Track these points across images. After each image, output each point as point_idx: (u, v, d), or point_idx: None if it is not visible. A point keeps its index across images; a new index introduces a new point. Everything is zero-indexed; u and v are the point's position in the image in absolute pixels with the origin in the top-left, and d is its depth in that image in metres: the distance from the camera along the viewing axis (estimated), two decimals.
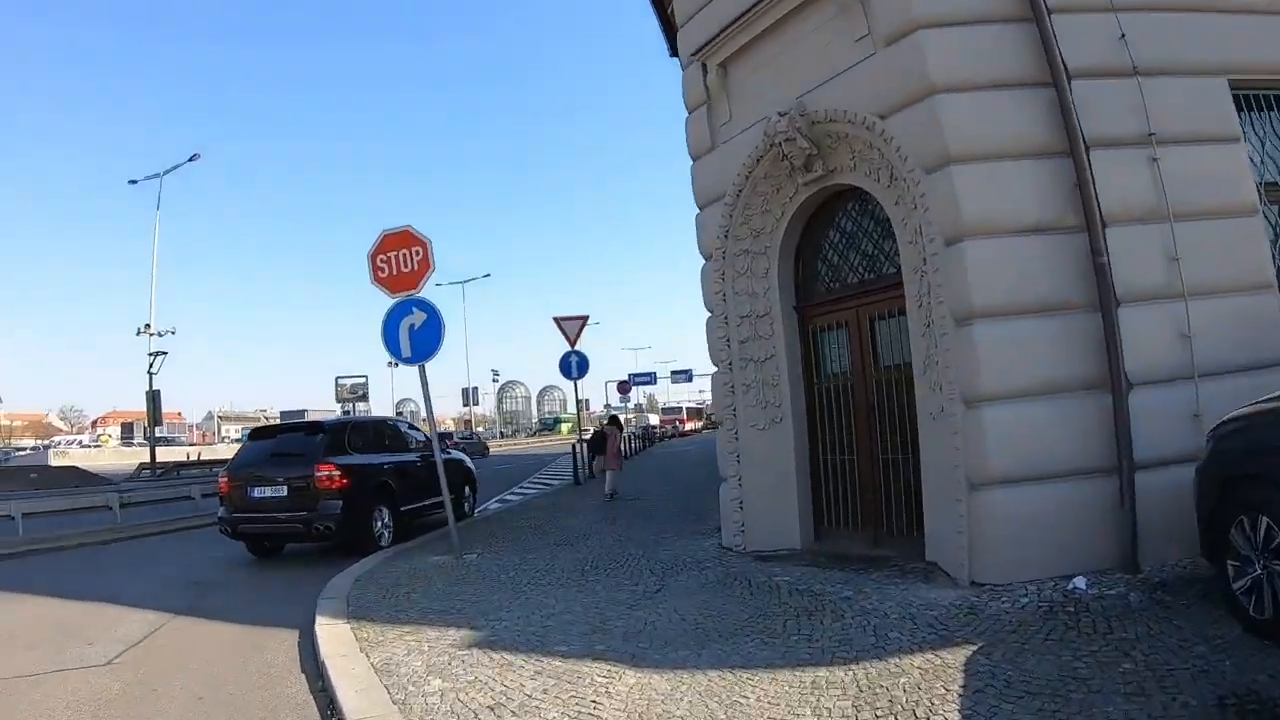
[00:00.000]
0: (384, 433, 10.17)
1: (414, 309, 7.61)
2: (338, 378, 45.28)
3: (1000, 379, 5.06)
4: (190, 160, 32.07)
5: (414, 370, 7.96)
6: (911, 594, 5.02)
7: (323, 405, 56.53)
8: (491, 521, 10.55)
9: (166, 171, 31.66)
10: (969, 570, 5.10)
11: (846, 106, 5.84)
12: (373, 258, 7.73)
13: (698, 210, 7.42)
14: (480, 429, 71.91)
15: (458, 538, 7.66)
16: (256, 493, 8.50)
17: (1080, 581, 4.97)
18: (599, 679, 3.89)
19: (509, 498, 15.75)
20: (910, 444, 5.93)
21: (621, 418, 21.63)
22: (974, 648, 3.90)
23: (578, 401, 18.35)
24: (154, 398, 28.39)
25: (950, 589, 5.08)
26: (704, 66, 7.17)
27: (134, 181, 32.06)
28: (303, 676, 4.53)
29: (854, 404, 6.49)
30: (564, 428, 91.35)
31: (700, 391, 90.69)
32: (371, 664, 4.39)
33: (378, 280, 7.71)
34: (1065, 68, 5.26)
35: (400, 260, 7.58)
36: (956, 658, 3.78)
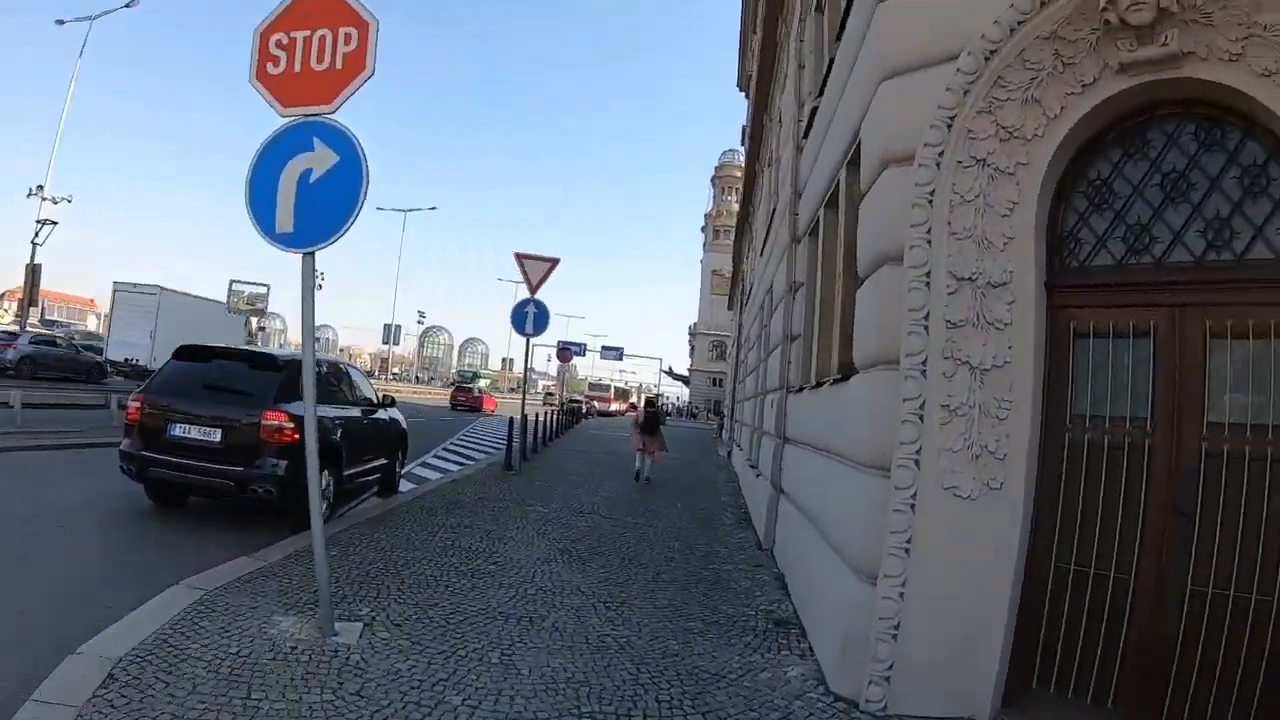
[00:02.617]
0: (334, 378, 8.04)
1: (316, 140, 3.81)
2: (232, 283, 36.97)
3: None
4: (127, 6, 26.58)
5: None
6: None
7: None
8: (395, 528, 6.94)
9: (98, 15, 26.18)
10: None
11: None
12: (263, 36, 3.87)
13: (881, 80, 4.09)
14: (396, 370, 65.54)
15: (329, 584, 4.01)
16: (178, 430, 6.39)
17: None
18: None
19: (421, 472, 12.09)
20: None
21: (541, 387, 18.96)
22: None
23: (527, 362, 14.51)
24: (33, 272, 22.92)
25: None
26: None
27: (61, 22, 26.49)
28: None
29: (1147, 479, 3.36)
30: (482, 383, 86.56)
31: (621, 372, 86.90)
32: None
33: (260, 77, 3.87)
34: None
35: (312, 48, 3.77)
36: None
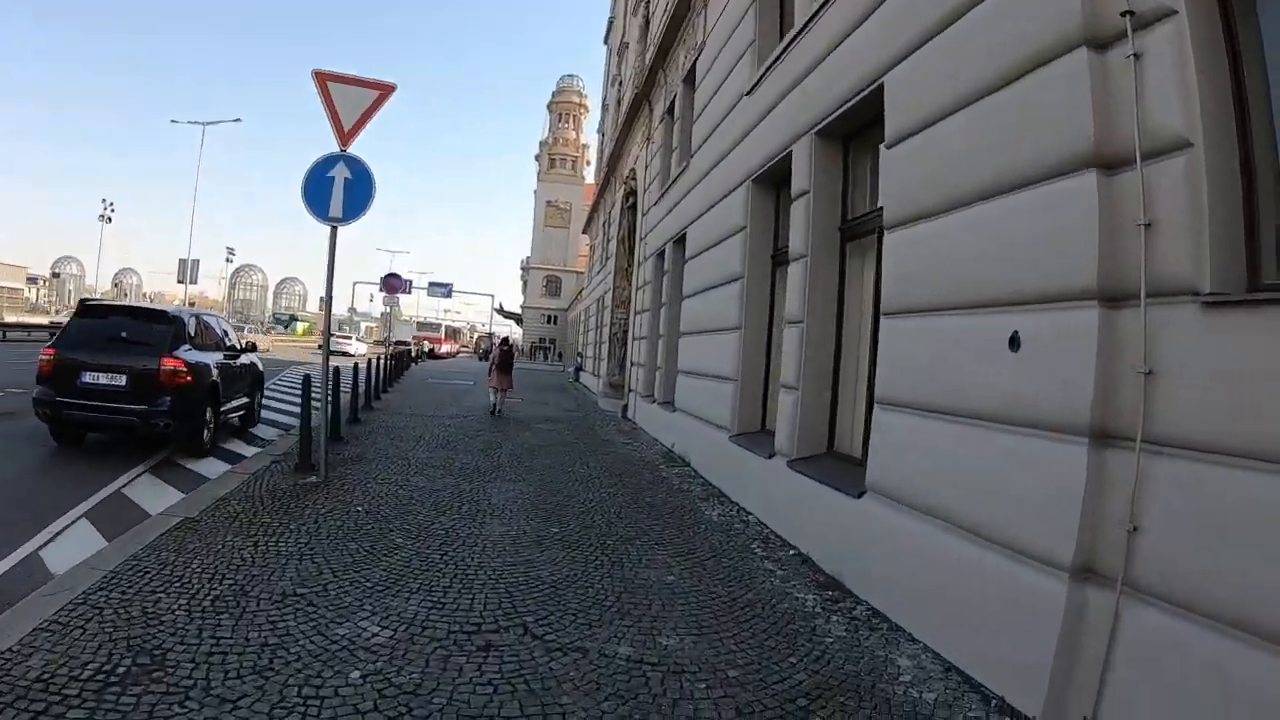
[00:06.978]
0: (206, 327, 8.47)
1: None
2: None
3: None
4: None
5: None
6: None
7: None
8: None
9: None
10: None
11: None
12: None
13: None
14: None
15: None
16: (88, 378, 7.01)
17: None
18: None
19: (148, 489, 6.31)
20: None
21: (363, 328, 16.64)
22: None
23: (330, 276, 8.15)
24: None
25: None
26: None
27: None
28: None
29: None
30: (300, 328, 74.21)
31: (447, 311, 75.49)
32: None
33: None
34: None
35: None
36: None
